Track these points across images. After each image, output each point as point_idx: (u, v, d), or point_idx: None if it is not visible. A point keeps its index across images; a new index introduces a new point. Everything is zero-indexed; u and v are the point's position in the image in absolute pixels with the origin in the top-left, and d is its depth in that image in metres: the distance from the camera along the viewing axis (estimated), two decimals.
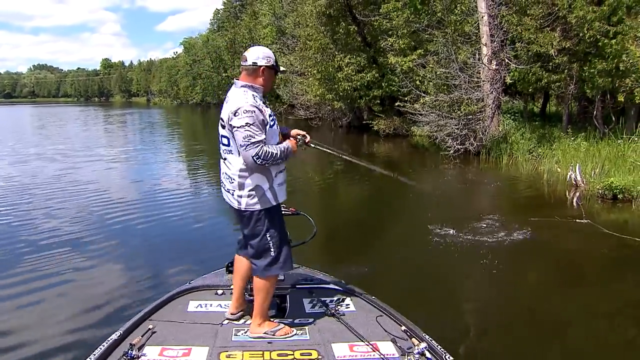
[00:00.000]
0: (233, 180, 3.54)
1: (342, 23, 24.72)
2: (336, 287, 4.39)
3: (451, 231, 8.32)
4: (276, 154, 3.45)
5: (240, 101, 3.41)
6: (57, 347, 4.90)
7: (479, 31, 16.81)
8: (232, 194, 3.58)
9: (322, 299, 4.15)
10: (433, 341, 3.43)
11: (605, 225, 8.43)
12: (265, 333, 3.57)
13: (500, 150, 15.93)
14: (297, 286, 4.37)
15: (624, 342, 5.07)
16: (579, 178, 11.46)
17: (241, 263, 3.90)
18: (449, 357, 3.24)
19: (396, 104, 21.01)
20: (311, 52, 25.95)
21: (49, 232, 8.90)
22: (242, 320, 3.81)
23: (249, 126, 3.34)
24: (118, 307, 5.79)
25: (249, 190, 3.52)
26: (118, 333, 3.45)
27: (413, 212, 10.48)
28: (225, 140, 3.55)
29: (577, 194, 11.16)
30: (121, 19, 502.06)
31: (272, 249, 3.61)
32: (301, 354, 3.30)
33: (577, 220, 8.77)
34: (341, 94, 25.32)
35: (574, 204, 10.59)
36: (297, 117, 33.10)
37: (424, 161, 18.32)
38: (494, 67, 16.31)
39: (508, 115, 19.06)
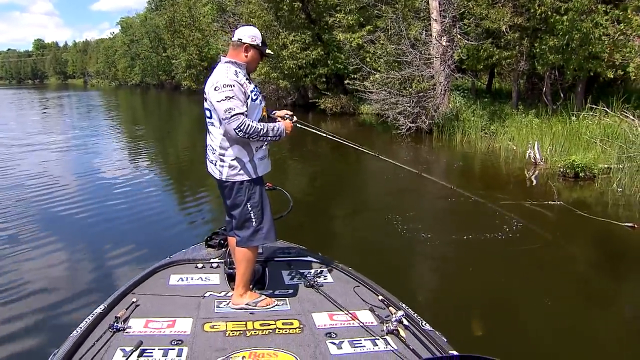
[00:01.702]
0: (215, 151, 3.63)
1: None
2: (314, 259, 4.49)
3: (421, 214, 8.08)
4: (262, 129, 3.51)
5: (221, 76, 3.50)
6: (43, 323, 5.03)
7: (429, 6, 16.51)
8: (215, 165, 3.66)
9: (301, 271, 4.24)
10: (410, 309, 3.52)
11: (576, 207, 8.21)
12: (247, 304, 3.64)
13: (453, 128, 15.74)
14: (276, 259, 4.47)
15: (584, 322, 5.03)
16: (538, 156, 11.33)
17: (234, 243, 3.90)
18: (425, 324, 3.33)
19: (346, 82, 20.58)
20: None
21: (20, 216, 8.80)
22: (223, 293, 3.87)
23: (228, 99, 3.42)
24: (99, 282, 5.97)
25: (230, 161, 3.60)
26: (102, 307, 3.49)
27: (382, 193, 10.25)
28: (208, 113, 3.63)
29: (536, 172, 11.02)
30: None
31: (253, 219, 3.68)
32: (283, 324, 3.38)
33: (550, 202, 8.55)
34: (286, 72, 24.69)
35: (534, 182, 10.49)
36: None
37: (375, 140, 17.97)
38: (444, 43, 16.05)
39: (457, 92, 18.92)
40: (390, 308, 3.53)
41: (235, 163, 3.60)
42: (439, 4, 16.13)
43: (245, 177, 3.63)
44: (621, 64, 12.41)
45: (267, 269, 4.29)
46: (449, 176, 11.72)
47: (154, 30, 61.94)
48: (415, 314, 3.46)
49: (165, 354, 2.99)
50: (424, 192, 10.18)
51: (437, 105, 16.28)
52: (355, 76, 18.61)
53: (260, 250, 4.25)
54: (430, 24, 16.59)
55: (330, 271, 4.28)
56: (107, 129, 24.44)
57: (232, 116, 3.41)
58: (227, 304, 3.68)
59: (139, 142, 19.49)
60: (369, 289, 3.93)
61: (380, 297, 3.74)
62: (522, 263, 6.35)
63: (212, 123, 3.62)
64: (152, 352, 3.00)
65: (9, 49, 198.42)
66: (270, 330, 3.29)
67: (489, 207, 8.03)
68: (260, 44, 3.70)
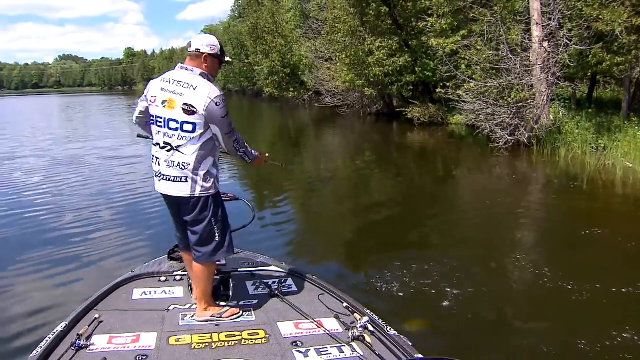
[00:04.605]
0: (186, 167, 3.53)
1: (373, 4, 23.04)
2: (278, 269, 4.52)
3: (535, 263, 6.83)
4: (243, 142, 3.72)
5: (214, 89, 3.51)
6: (1, 342, 4.89)
7: (529, 8, 15.16)
8: (185, 181, 3.56)
9: (265, 280, 4.27)
10: (374, 315, 3.54)
11: None
12: (212, 316, 3.64)
13: (555, 142, 14.32)
14: (240, 270, 4.48)
15: None
16: None
17: (189, 260, 3.86)
18: (390, 329, 3.33)
19: (437, 90, 19.38)
20: (339, 36, 24.46)
21: None
22: (187, 306, 3.85)
23: (229, 114, 3.55)
24: (60, 299, 5.84)
25: (204, 175, 3.57)
26: (63, 324, 3.42)
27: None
28: (189, 127, 3.50)
29: None
30: (143, 8, 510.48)
31: (216, 234, 3.69)
32: (249, 334, 3.38)
33: None
34: (372, 79, 23.77)
35: None
36: (324, 104, 31.47)
37: (467, 153, 16.77)
38: (547, 48, 14.66)
39: (558, 102, 17.42)
40: (355, 315, 3.55)
41: (207, 177, 3.58)
42: (542, 6, 14.75)
43: (215, 191, 3.66)
44: None
45: (231, 280, 4.27)
46: (561, 197, 10.30)
47: (237, 37, 62.50)
48: (380, 320, 3.47)
49: None
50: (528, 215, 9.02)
51: (538, 116, 14.88)
52: (448, 84, 17.41)
53: (223, 262, 4.34)
54: (530, 28, 15.22)
55: (294, 280, 4.31)
56: None
57: (233, 130, 3.58)
58: (192, 316, 3.68)
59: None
60: (333, 296, 3.96)
61: (345, 304, 3.76)
62: None
63: (192, 138, 3.50)
64: None
65: (102, 58, 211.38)
66: (236, 342, 3.29)
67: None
68: (218, 53, 3.70)
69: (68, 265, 6.98)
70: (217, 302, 3.84)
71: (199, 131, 3.49)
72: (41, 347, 3.11)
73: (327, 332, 3.36)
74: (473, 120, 16.67)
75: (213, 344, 3.25)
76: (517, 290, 5.91)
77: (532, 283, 5.98)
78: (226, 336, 3.35)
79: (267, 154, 4.06)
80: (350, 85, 25.85)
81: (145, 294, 4.04)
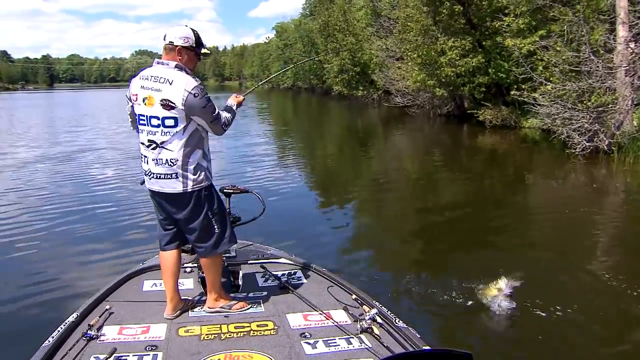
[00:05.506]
0: (175, 162, 3.48)
1: (446, 3, 22.41)
2: (287, 261, 4.56)
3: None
4: (229, 114, 3.68)
5: (190, 81, 3.45)
6: (12, 333, 4.93)
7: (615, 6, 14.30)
8: (176, 177, 3.51)
9: (275, 273, 4.27)
10: (383, 307, 3.55)
11: None
12: (221, 307, 3.68)
13: (639, 149, 13.44)
14: (249, 262, 4.52)
15: None
16: None
17: (169, 259, 3.77)
18: (398, 321, 3.34)
19: (512, 92, 18.61)
20: (411, 35, 23.96)
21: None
22: (197, 297, 3.89)
23: (210, 102, 3.48)
24: (73, 290, 5.94)
25: (194, 168, 3.52)
26: (75, 315, 3.47)
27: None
28: (170, 122, 3.45)
29: None
30: (216, 6, 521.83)
31: (215, 226, 3.66)
32: (257, 326, 3.41)
33: None
34: (443, 80, 23.19)
35: None
36: (393, 104, 30.98)
37: (543, 159, 15.91)
38: (634, 49, 13.78)
39: None
40: (364, 307, 3.56)
41: (198, 169, 3.54)
42: (629, 4, 13.88)
43: (208, 182, 3.63)
44: None
45: (240, 272, 4.35)
46: None
47: (307, 35, 62.83)
48: (389, 311, 3.49)
49: None
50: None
51: (620, 122, 14.01)
52: (524, 86, 16.65)
53: (233, 254, 4.46)
54: (615, 28, 14.36)
55: (304, 272, 4.36)
56: (255, 136, 24.13)
57: (217, 115, 3.53)
58: (202, 308, 3.73)
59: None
60: (342, 288, 3.97)
61: (354, 296, 3.77)
62: None
63: (176, 133, 3.46)
64: (126, 359, 2.99)
65: None
66: (245, 333, 3.33)
67: None
68: (193, 45, 3.60)
69: (79, 258, 7.17)
70: (227, 294, 3.86)
71: (181, 125, 3.46)
72: (53, 337, 3.18)
73: (335, 324, 3.41)
74: (548, 125, 15.87)
75: (222, 335, 3.31)
76: (602, 310, 5.38)
77: (623, 304, 5.49)
78: (235, 327, 3.41)
79: (241, 96, 4.01)
80: (421, 85, 25.32)
81: (156, 286, 4.09)
